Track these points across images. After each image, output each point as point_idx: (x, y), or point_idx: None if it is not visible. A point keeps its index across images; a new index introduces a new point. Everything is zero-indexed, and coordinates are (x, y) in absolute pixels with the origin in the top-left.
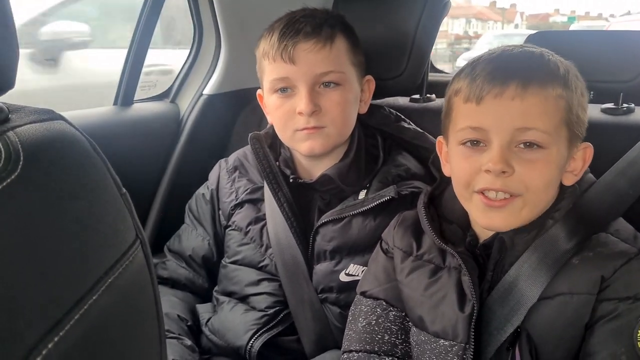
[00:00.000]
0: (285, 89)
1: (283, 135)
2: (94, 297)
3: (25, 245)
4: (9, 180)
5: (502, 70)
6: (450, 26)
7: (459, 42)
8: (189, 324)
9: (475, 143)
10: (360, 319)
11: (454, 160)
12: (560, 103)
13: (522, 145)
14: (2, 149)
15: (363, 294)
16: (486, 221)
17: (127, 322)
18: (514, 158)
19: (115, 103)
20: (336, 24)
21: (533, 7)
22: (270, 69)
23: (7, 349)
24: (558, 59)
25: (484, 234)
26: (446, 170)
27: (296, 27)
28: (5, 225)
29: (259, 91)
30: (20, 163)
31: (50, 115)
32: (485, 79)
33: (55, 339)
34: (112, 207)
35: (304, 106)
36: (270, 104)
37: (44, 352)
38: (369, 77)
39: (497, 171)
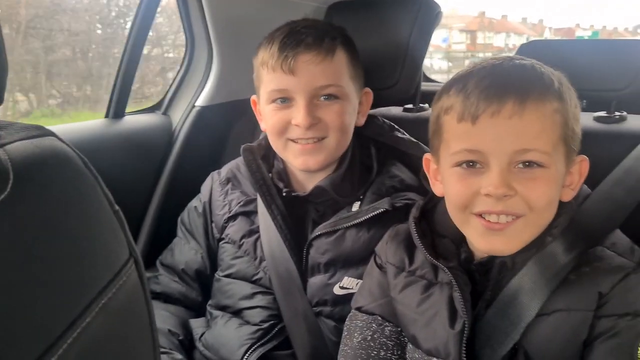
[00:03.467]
0: (283, 100)
1: (276, 145)
2: (87, 320)
3: (16, 267)
4: None
5: (497, 87)
6: (494, 40)
7: (501, 52)
8: (180, 338)
9: (471, 164)
10: (355, 334)
11: (448, 182)
12: (557, 118)
13: (521, 165)
14: None
15: (358, 309)
16: (486, 245)
17: (121, 344)
18: (514, 179)
19: (106, 116)
20: (337, 36)
21: (557, 22)
22: (268, 79)
23: None
24: (550, 71)
25: (479, 251)
26: (436, 190)
27: (297, 38)
28: None
29: (253, 97)
30: (10, 182)
31: (41, 132)
32: (480, 96)
33: None
34: (105, 225)
35: (302, 119)
36: (266, 112)
37: None
38: (367, 89)
39: (499, 195)
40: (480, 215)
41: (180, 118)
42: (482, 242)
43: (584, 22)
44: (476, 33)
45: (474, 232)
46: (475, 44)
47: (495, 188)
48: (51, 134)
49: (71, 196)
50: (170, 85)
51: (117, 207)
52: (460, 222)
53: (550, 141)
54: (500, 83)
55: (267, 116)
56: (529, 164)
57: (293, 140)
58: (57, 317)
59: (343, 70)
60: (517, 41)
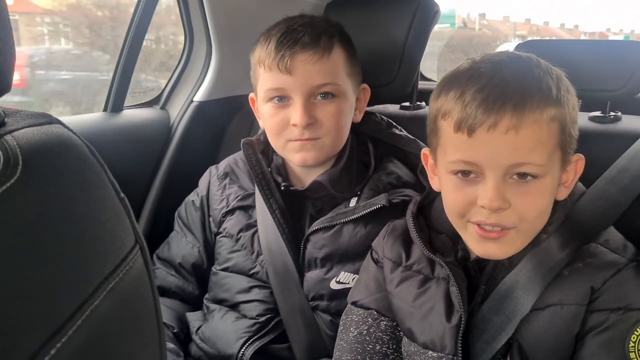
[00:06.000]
0: (280, 99)
1: (276, 144)
2: (95, 303)
3: (25, 251)
4: (8, 185)
5: (495, 99)
6: None
7: None
8: (174, 330)
9: (466, 173)
10: (351, 329)
11: (445, 187)
12: (553, 127)
13: (516, 177)
14: (1, 153)
15: (354, 303)
16: (482, 250)
17: (127, 328)
18: (508, 191)
19: (105, 109)
20: (334, 34)
21: (589, 26)
22: (265, 78)
23: (8, 358)
24: (547, 72)
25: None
26: (434, 184)
27: (294, 37)
28: (4, 230)
29: (251, 95)
30: (19, 167)
31: (48, 119)
32: (478, 109)
33: (57, 345)
34: (111, 211)
35: (299, 119)
36: (264, 112)
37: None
38: (365, 85)
39: (494, 208)
40: (476, 224)
41: (178, 113)
42: (478, 247)
43: (614, 26)
44: (527, 38)
45: (470, 237)
46: None
47: (490, 201)
48: (58, 121)
49: (77, 182)
50: (169, 80)
51: (122, 195)
52: (458, 226)
53: (545, 152)
54: (498, 95)
55: (265, 115)
56: (523, 175)
57: (292, 141)
58: (67, 299)
59: (340, 68)
60: None
